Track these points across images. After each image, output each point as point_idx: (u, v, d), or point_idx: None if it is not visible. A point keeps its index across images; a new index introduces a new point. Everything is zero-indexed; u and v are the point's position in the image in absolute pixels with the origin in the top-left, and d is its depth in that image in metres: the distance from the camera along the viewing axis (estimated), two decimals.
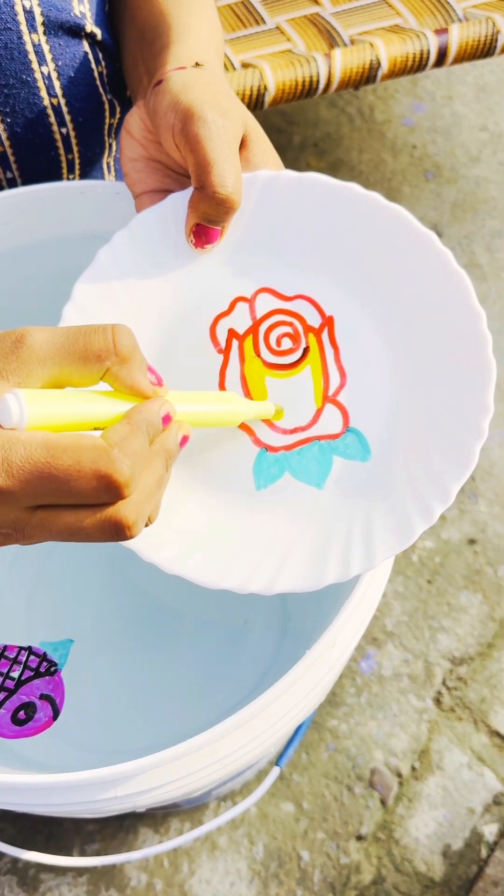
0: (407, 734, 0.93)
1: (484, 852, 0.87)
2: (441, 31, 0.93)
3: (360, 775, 0.90)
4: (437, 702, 0.95)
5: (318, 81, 0.90)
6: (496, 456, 1.10)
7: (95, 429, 0.34)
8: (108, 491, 0.32)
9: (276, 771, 0.71)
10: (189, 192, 0.46)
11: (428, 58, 0.93)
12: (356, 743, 0.92)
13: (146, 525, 0.36)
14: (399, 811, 0.89)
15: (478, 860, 0.87)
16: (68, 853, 0.87)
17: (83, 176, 0.65)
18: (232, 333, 0.47)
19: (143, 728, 0.71)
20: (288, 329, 0.47)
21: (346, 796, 0.89)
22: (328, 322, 0.46)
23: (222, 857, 0.86)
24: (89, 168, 0.65)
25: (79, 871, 0.86)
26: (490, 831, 0.88)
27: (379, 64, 0.91)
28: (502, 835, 0.88)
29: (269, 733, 0.42)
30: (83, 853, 0.87)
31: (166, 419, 0.36)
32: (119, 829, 0.88)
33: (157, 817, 0.88)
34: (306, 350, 0.46)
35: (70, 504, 0.33)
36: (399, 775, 0.91)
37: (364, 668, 0.96)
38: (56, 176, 0.62)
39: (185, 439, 0.38)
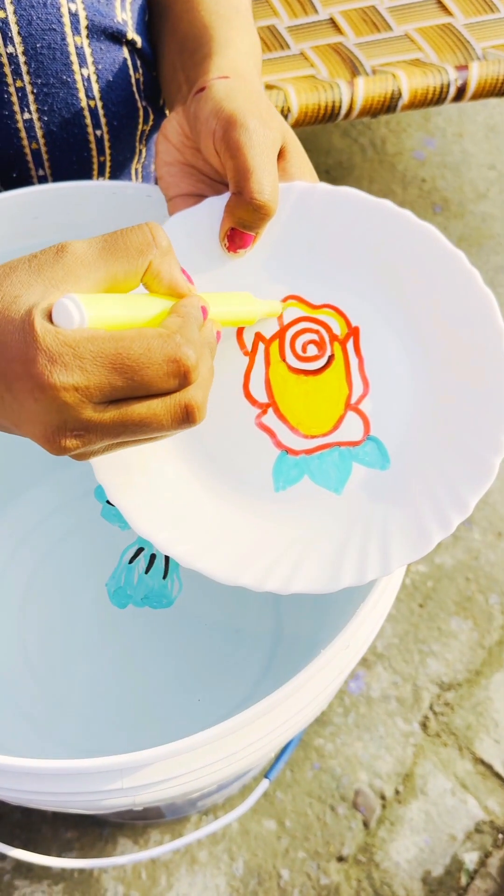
0: (392, 757, 0.92)
1: (464, 880, 0.87)
2: (462, 68, 0.96)
3: (344, 796, 0.90)
4: (424, 726, 0.95)
5: (340, 107, 0.92)
6: (492, 486, 1.11)
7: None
8: (178, 375, 0.33)
9: (264, 783, 0.71)
10: (224, 197, 0.47)
11: (448, 92, 0.95)
12: (341, 763, 0.92)
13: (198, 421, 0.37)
14: (381, 834, 0.88)
15: (457, 888, 0.86)
16: None
17: (112, 179, 0.66)
18: (259, 337, 0.48)
19: (132, 731, 0.71)
20: (314, 336, 0.48)
21: (328, 816, 0.89)
22: (354, 332, 0.47)
23: (201, 872, 0.85)
24: (119, 172, 0.66)
25: (54, 879, 0.85)
26: (471, 859, 0.88)
27: (400, 94, 0.93)
28: (483, 863, 0.88)
29: (279, 731, 0.42)
30: None
31: (204, 312, 0.37)
32: (98, 838, 0.87)
33: (136, 828, 0.87)
34: (331, 358, 0.47)
35: (140, 395, 0.34)
36: (383, 798, 0.90)
37: (353, 689, 0.96)
38: (86, 177, 0.63)
39: (218, 335, 0.39)
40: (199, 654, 0.75)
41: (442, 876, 0.87)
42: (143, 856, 0.68)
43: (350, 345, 0.47)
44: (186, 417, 0.35)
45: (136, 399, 0.34)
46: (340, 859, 0.87)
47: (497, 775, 0.92)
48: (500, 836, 0.89)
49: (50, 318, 0.32)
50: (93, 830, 0.87)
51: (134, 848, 0.86)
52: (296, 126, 0.93)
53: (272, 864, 0.86)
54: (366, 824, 0.89)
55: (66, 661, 0.74)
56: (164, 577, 0.50)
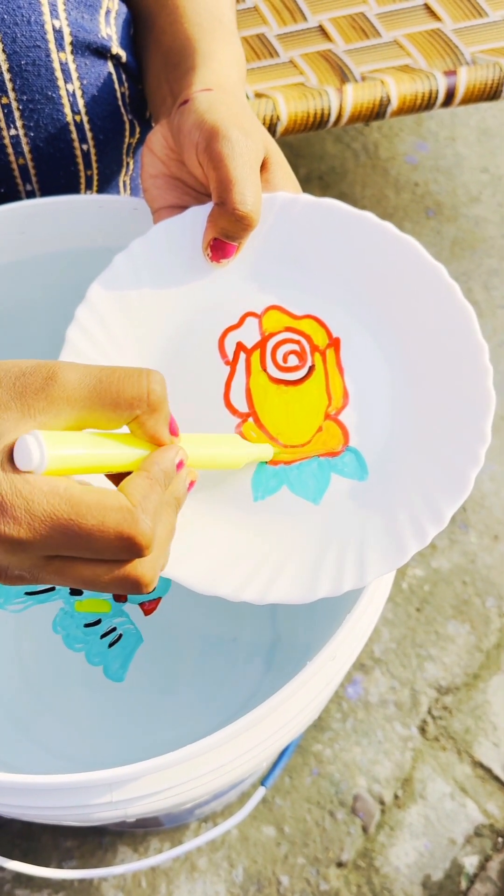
0: (391, 762, 0.93)
1: (464, 884, 0.87)
2: (450, 73, 0.96)
3: (343, 801, 0.90)
4: (422, 730, 0.95)
5: (329, 114, 0.92)
6: (487, 489, 1.11)
7: (109, 472, 0.34)
8: (130, 551, 0.32)
9: (261, 791, 0.71)
10: (208, 206, 0.48)
11: (436, 97, 0.96)
12: (340, 768, 0.92)
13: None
14: (380, 839, 0.89)
15: (458, 892, 0.86)
16: None
17: (100, 192, 0.66)
18: (240, 346, 0.48)
19: (128, 741, 0.71)
20: (295, 347, 0.48)
21: (328, 822, 0.89)
22: (335, 343, 0.48)
23: (201, 879, 0.85)
24: (106, 185, 0.66)
25: (55, 888, 0.85)
26: (471, 863, 0.88)
27: (389, 100, 0.93)
28: (483, 867, 0.88)
29: (267, 743, 0.42)
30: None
31: (179, 465, 0.35)
32: (98, 846, 0.87)
33: (136, 836, 0.88)
34: (312, 368, 0.47)
35: (88, 558, 0.32)
36: (382, 803, 0.91)
37: (351, 694, 0.96)
38: (74, 190, 0.64)
39: (191, 484, 0.38)
40: (196, 663, 0.75)
41: (442, 880, 0.87)
42: (143, 864, 0.69)
43: (331, 355, 0.47)
44: (131, 589, 0.34)
45: (82, 559, 0.32)
46: (340, 865, 0.87)
47: (496, 779, 0.92)
48: (500, 839, 0.89)
49: (10, 455, 0.31)
50: (92, 839, 0.87)
51: (133, 856, 0.86)
52: (285, 134, 0.93)
53: (272, 870, 0.86)
54: (365, 829, 0.89)
55: (61, 671, 0.74)
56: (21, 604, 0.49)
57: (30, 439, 0.30)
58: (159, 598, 0.47)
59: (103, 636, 0.49)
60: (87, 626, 0.48)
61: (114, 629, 0.49)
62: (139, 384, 0.33)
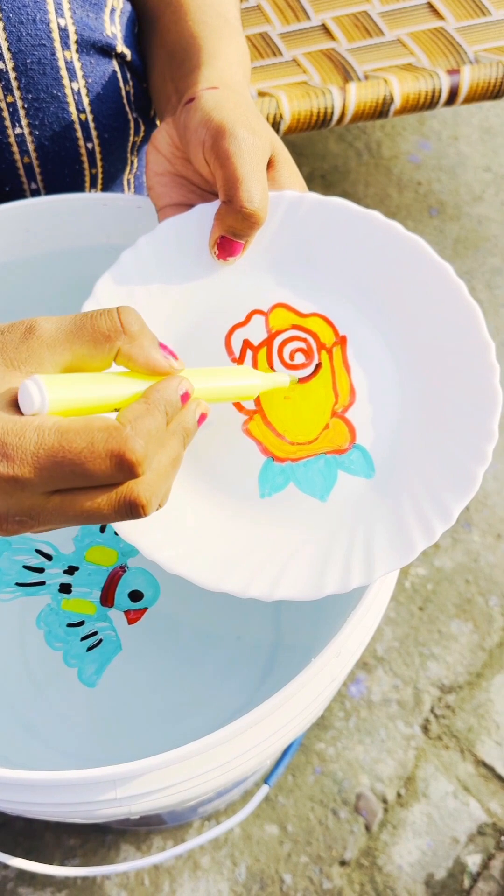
0: (394, 760, 0.93)
1: (467, 883, 0.87)
2: (453, 72, 0.96)
3: (346, 800, 0.90)
4: (425, 729, 0.95)
5: (332, 113, 0.92)
6: (491, 487, 1.11)
7: (116, 410, 0.35)
8: (122, 469, 0.33)
9: (264, 789, 0.71)
10: (215, 204, 0.48)
11: (439, 96, 0.96)
12: (343, 767, 0.92)
13: (158, 507, 0.37)
14: (383, 838, 0.89)
15: (460, 891, 0.86)
16: None
17: (105, 191, 0.66)
18: (247, 344, 0.48)
19: (132, 738, 0.71)
20: (301, 345, 0.48)
21: (330, 820, 0.89)
22: (341, 341, 0.48)
23: (204, 878, 0.85)
24: (111, 183, 0.66)
25: (58, 887, 0.85)
26: (473, 862, 0.88)
27: (392, 99, 0.93)
28: (486, 866, 0.88)
29: (271, 740, 0.42)
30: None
31: (185, 397, 0.36)
32: (101, 844, 0.87)
33: (139, 835, 0.88)
34: (318, 366, 0.47)
35: (85, 486, 0.33)
36: (384, 801, 0.91)
37: (353, 693, 0.96)
38: (79, 189, 0.64)
39: (202, 417, 0.38)
40: (200, 661, 0.75)
41: (445, 879, 0.87)
42: (146, 862, 0.69)
43: (337, 353, 0.48)
44: (130, 512, 0.34)
45: (80, 490, 0.33)
46: (343, 863, 0.87)
47: (499, 777, 0.92)
48: (503, 838, 0.89)
49: (8, 403, 0.33)
50: (95, 837, 0.87)
51: (136, 854, 0.86)
52: (289, 133, 0.93)
53: (274, 868, 0.86)
54: (368, 828, 0.89)
55: (66, 668, 0.74)
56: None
57: (30, 384, 0.32)
58: (145, 609, 0.47)
59: (83, 638, 0.49)
60: (69, 625, 0.48)
61: (95, 633, 0.49)
62: (111, 316, 0.35)
